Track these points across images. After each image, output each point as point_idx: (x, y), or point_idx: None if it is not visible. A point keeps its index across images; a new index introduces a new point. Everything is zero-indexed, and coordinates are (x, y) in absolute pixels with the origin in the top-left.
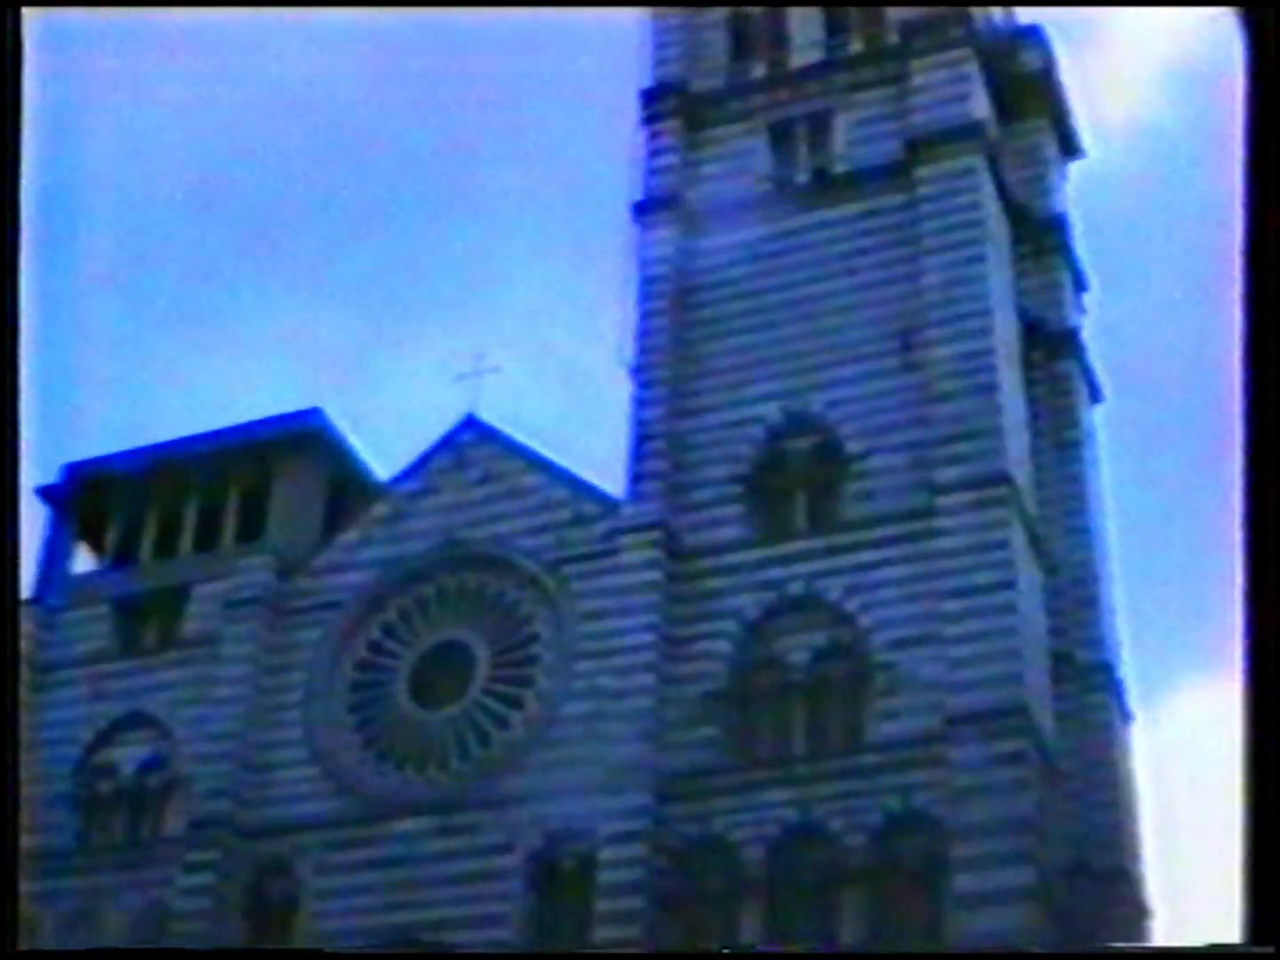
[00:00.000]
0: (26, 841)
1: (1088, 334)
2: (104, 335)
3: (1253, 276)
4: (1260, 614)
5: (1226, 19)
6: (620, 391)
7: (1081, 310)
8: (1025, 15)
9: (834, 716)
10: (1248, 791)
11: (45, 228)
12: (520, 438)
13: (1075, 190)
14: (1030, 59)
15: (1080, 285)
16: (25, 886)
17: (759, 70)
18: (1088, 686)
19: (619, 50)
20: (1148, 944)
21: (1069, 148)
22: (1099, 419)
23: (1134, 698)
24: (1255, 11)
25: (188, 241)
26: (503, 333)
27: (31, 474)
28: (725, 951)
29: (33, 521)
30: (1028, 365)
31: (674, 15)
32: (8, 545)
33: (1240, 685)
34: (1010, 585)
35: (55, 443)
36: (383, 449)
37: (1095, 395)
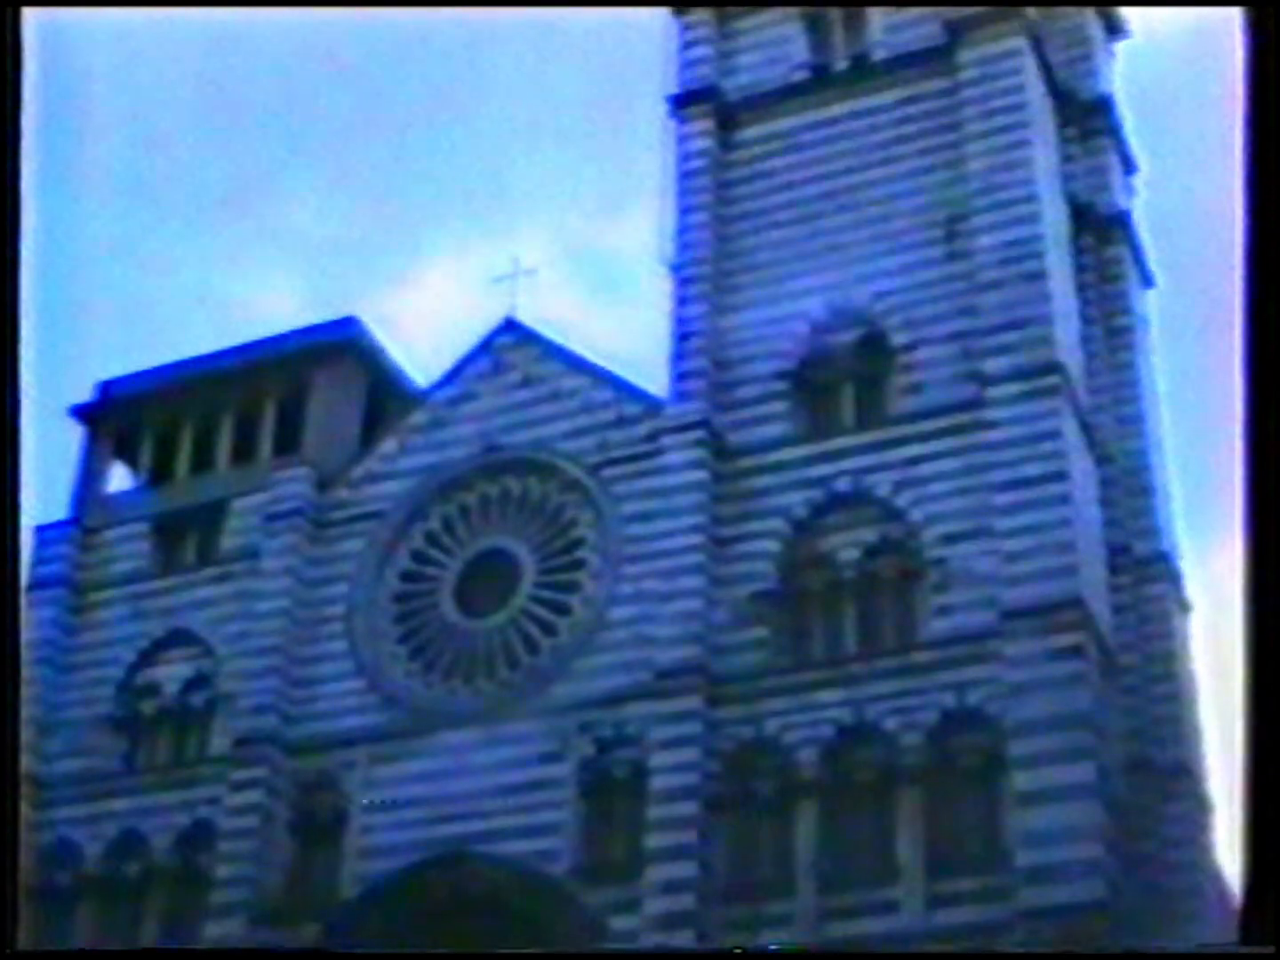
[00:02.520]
0: (71, 765)
1: (1138, 217)
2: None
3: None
4: None
5: None
6: (660, 290)
7: (1131, 193)
8: None
9: (886, 614)
10: (1248, 793)
11: (50, 141)
12: (559, 340)
13: (1122, 71)
14: None
15: (1129, 168)
16: (70, 811)
17: None
18: (1145, 578)
19: None
20: (1208, 849)
21: (1114, 27)
22: (1151, 304)
23: (1192, 588)
24: (1256, 10)
25: (200, 149)
26: (539, 234)
27: (63, 395)
28: (728, 951)
29: (67, 442)
30: (1077, 251)
31: None
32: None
33: None
34: (1063, 476)
35: (86, 362)
36: (420, 356)
37: (1146, 280)
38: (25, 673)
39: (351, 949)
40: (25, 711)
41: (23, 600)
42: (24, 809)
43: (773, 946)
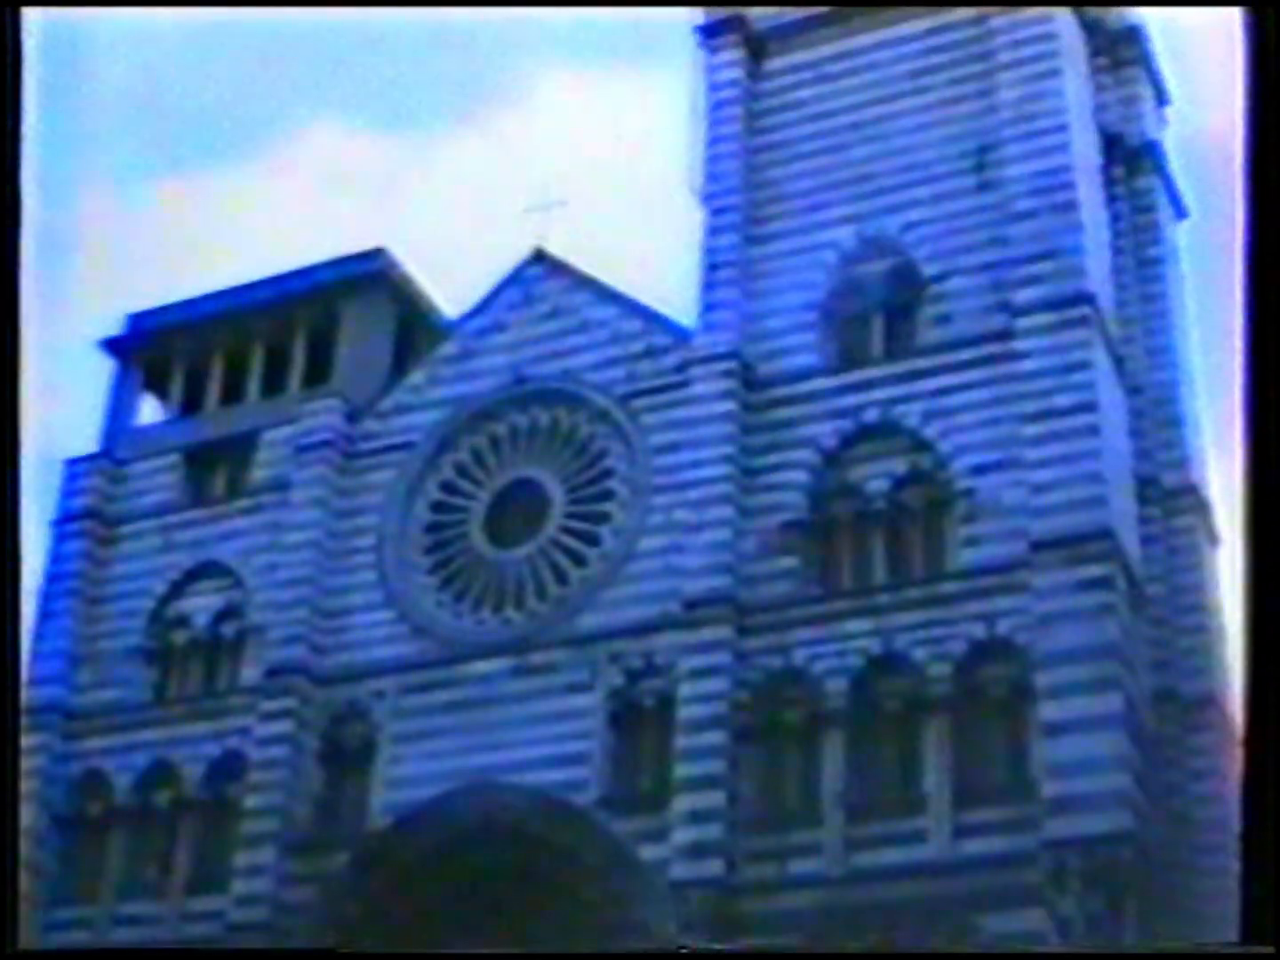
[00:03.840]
0: (101, 696)
1: (1170, 148)
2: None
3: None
4: None
5: None
6: (690, 221)
7: (1163, 123)
8: None
9: (914, 545)
10: (1247, 793)
11: (55, 78)
12: (589, 271)
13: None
14: None
15: (1161, 98)
16: (100, 742)
17: None
18: (1174, 509)
19: None
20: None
21: None
22: (1182, 236)
23: (1221, 520)
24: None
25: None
26: (569, 166)
27: (94, 327)
28: (728, 951)
29: (98, 375)
30: (1108, 182)
31: None
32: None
33: None
34: (1092, 407)
35: (115, 295)
36: (450, 288)
37: (1178, 211)
38: (55, 604)
39: (381, 879)
40: (52, 644)
41: (52, 533)
42: (53, 739)
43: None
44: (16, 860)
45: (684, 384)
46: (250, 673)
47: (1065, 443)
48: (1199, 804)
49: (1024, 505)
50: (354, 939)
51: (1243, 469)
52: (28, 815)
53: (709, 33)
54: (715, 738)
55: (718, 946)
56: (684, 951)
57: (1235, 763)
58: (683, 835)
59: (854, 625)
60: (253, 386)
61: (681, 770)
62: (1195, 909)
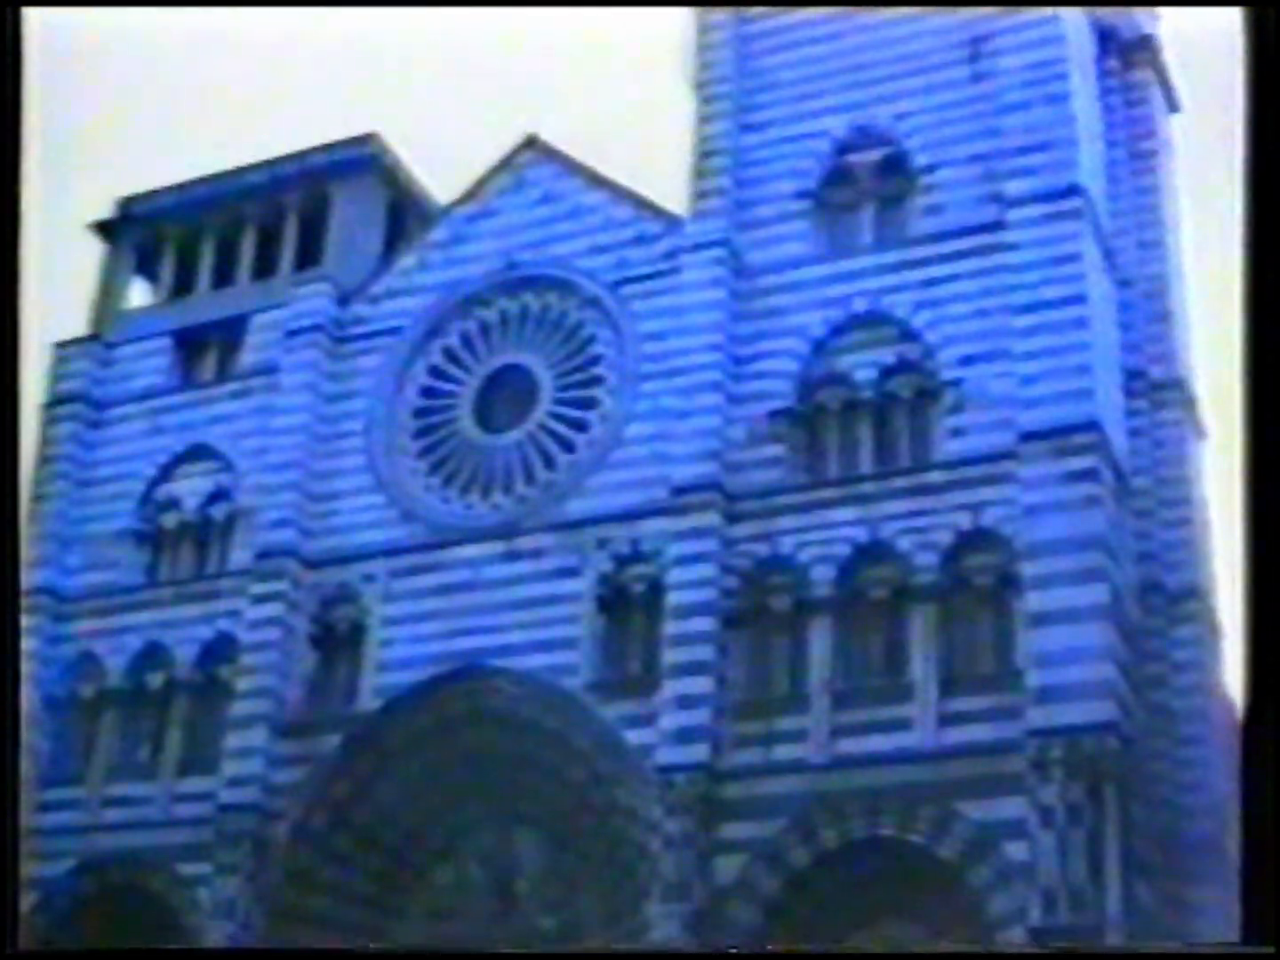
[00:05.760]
0: (92, 578)
1: (1164, 41)
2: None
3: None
4: None
5: None
6: (682, 108)
7: (1157, 16)
8: None
9: (901, 434)
10: (1247, 789)
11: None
12: (580, 157)
13: None
14: None
15: None
16: (92, 624)
17: None
18: (1161, 402)
19: None
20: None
21: None
22: (1176, 129)
23: (1207, 414)
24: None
25: None
26: (560, 52)
27: (84, 211)
28: (729, 951)
29: (87, 258)
30: (1102, 75)
31: None
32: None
33: None
34: (1082, 300)
35: (106, 179)
36: (440, 173)
37: (1172, 105)
38: (46, 488)
39: (370, 761)
40: (42, 527)
41: (42, 416)
42: (45, 622)
43: (785, 760)
44: (17, 861)
45: (674, 271)
46: (240, 556)
47: (1054, 335)
48: (1181, 695)
49: (1011, 396)
50: (343, 820)
51: (1242, 364)
52: (23, 696)
53: None
54: (703, 624)
55: (719, 949)
56: (685, 952)
57: (1218, 655)
58: (670, 720)
59: (841, 514)
60: (243, 270)
61: (669, 656)
62: (1174, 799)
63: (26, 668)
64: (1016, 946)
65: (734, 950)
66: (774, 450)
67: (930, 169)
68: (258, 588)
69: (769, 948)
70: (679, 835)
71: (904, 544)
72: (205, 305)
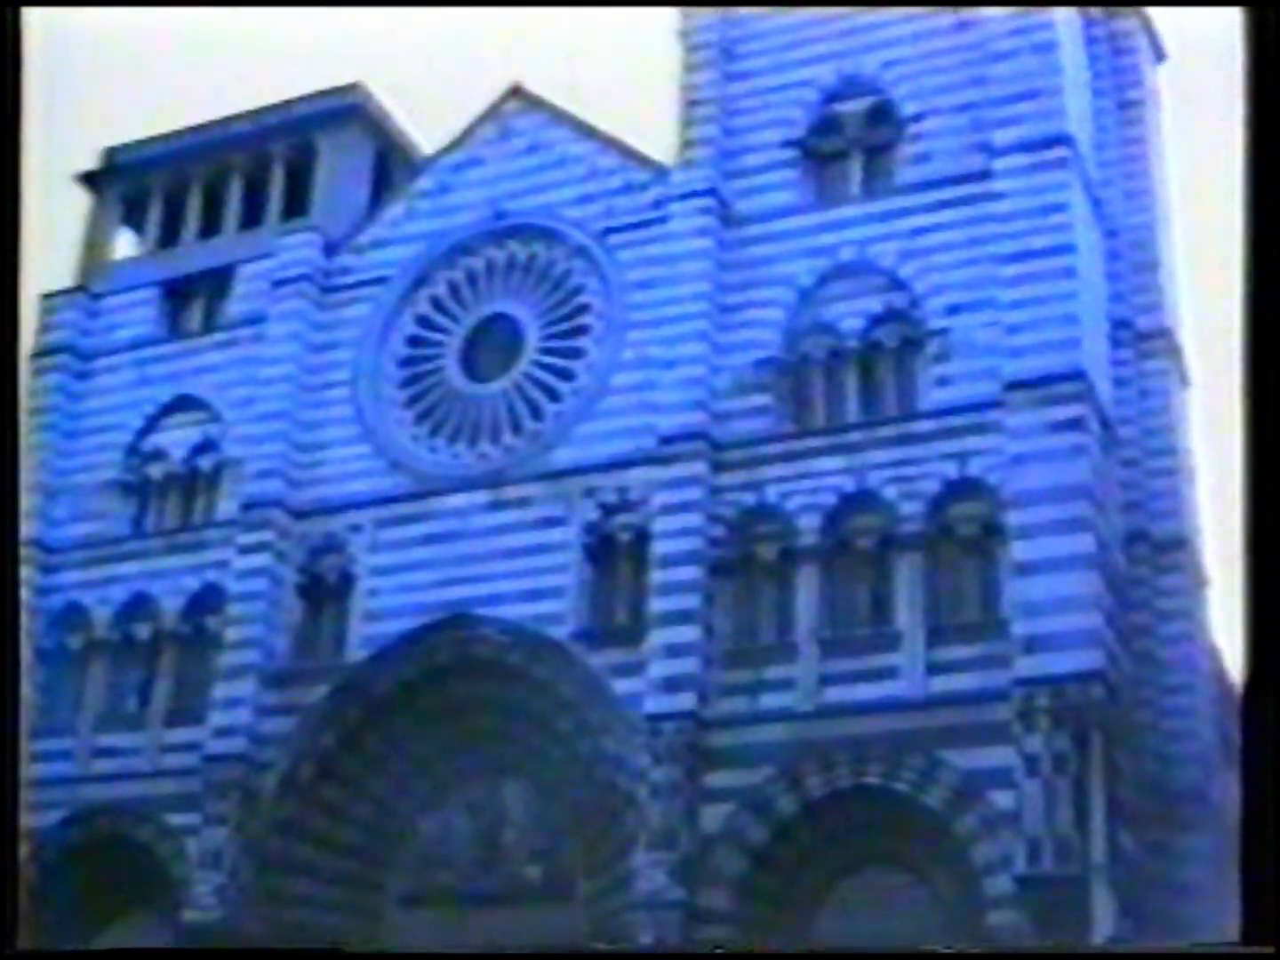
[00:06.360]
0: (78, 529)
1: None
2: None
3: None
4: None
5: None
6: (669, 58)
7: None
8: None
9: (887, 383)
10: (1248, 793)
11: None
12: (566, 107)
13: None
14: None
15: None
16: (79, 575)
17: None
18: (1146, 352)
19: None
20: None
21: None
22: (1163, 79)
23: (1193, 363)
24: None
25: None
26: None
27: (70, 162)
28: (727, 951)
29: (74, 209)
30: (1088, 23)
31: None
32: None
33: None
34: (1069, 249)
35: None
36: (426, 124)
37: (1159, 54)
38: (32, 439)
39: (357, 711)
40: (29, 478)
41: (28, 367)
42: (32, 573)
43: (772, 709)
44: (16, 861)
45: (661, 220)
46: (227, 506)
47: (1040, 284)
48: (1166, 644)
49: (998, 345)
50: (330, 770)
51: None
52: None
53: None
54: (689, 573)
55: (720, 949)
56: (686, 952)
57: (1203, 604)
58: (657, 669)
59: (827, 463)
60: (230, 221)
61: (656, 604)
62: (1160, 747)
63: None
64: (1017, 947)
65: (727, 949)
66: (760, 399)
67: (917, 118)
68: (245, 538)
69: (757, 950)
70: (666, 784)
71: (890, 493)
72: (191, 256)
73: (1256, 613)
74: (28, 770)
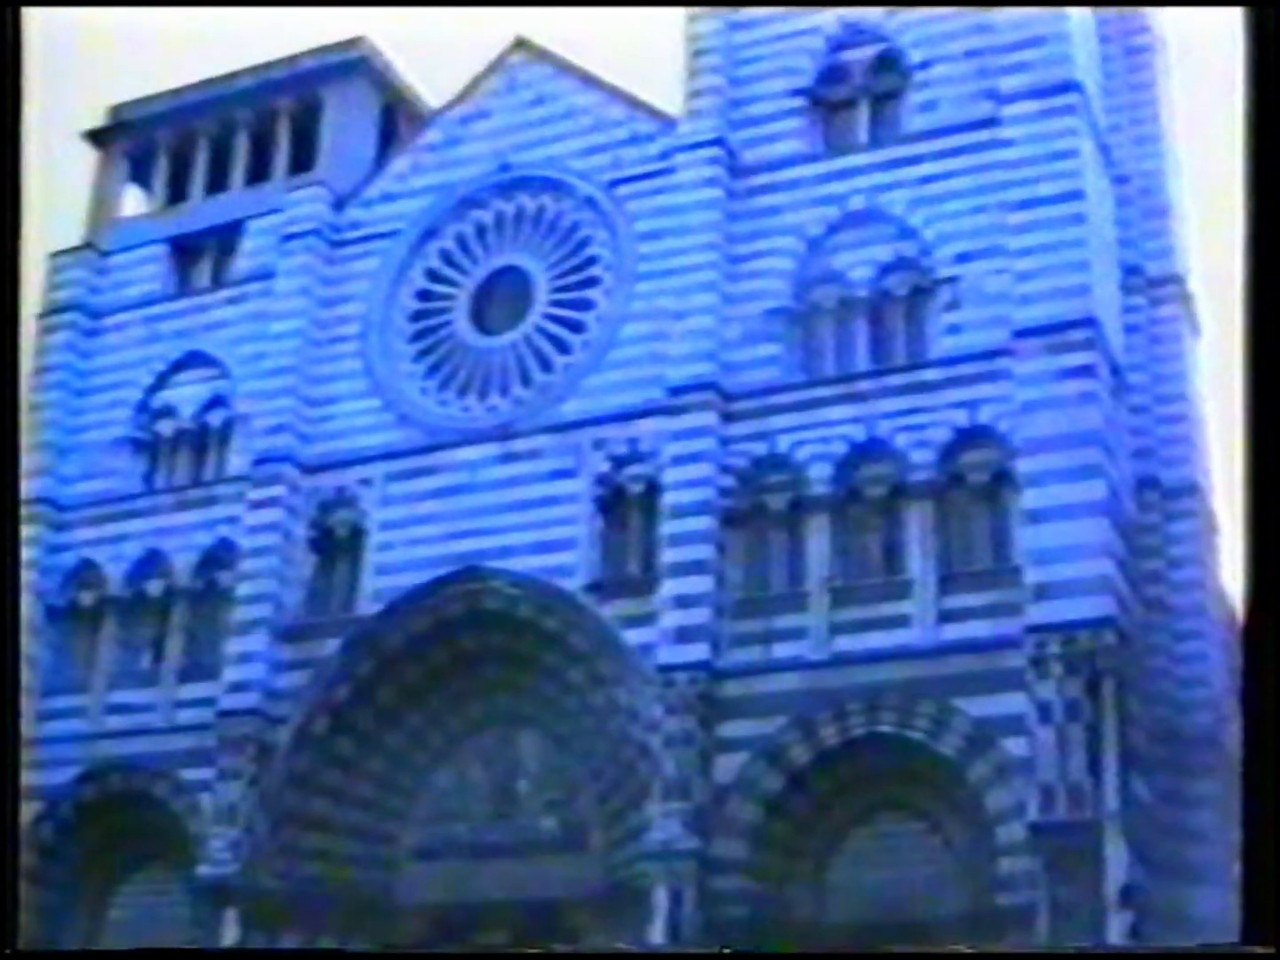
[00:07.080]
0: (90, 487)
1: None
2: None
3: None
4: None
5: None
6: (674, 8)
7: None
8: None
9: (897, 332)
10: (1248, 793)
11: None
12: (571, 58)
13: None
14: None
15: None
16: (91, 533)
17: None
18: (1157, 299)
19: None
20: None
21: None
22: (1169, 23)
23: (1202, 310)
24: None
25: None
26: None
27: (77, 122)
28: (727, 951)
29: (81, 167)
30: None
31: None
32: None
33: None
34: (1078, 195)
35: (99, 87)
36: (432, 77)
37: None
38: (41, 396)
39: (370, 664)
40: (39, 437)
41: (37, 326)
42: (44, 531)
43: (784, 658)
44: (17, 861)
45: (669, 171)
46: (238, 462)
47: (1050, 231)
48: (1178, 590)
49: (1007, 293)
50: (344, 723)
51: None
52: (24, 605)
53: None
54: (701, 523)
55: (721, 949)
56: (686, 952)
57: (1214, 550)
58: (669, 619)
59: (837, 412)
60: (237, 176)
61: (667, 555)
62: (1172, 694)
63: (26, 577)
64: (1017, 947)
65: (731, 951)
66: (770, 349)
67: (924, 65)
68: (255, 493)
69: (766, 954)
70: (679, 734)
71: (900, 441)
72: (199, 212)
73: (1258, 559)
74: (42, 728)
